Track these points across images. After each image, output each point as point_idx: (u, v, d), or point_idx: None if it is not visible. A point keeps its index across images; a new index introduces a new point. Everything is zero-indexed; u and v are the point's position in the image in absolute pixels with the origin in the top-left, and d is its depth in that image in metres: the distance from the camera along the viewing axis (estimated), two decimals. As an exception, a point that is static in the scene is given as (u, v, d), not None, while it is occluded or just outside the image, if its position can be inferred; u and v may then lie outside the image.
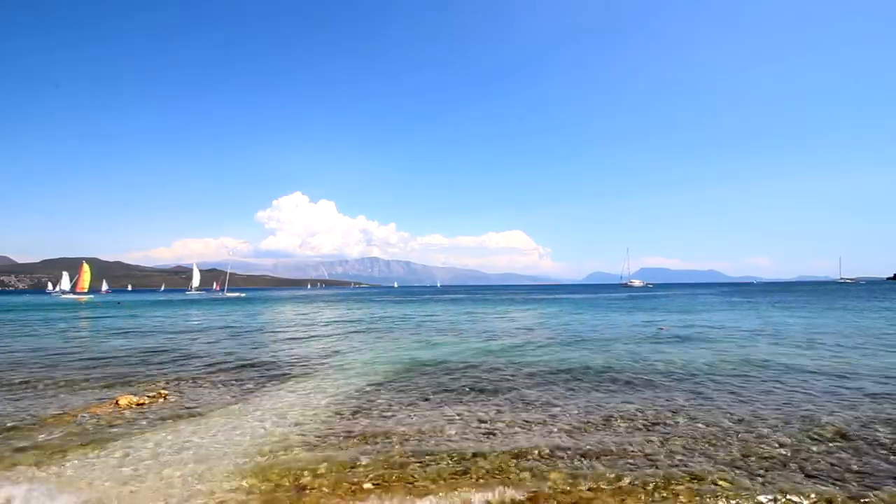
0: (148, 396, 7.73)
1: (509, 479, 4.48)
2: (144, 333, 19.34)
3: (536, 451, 5.16)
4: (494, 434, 5.80)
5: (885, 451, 5.03)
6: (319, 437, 5.77)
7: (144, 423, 6.45)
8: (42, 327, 22.76)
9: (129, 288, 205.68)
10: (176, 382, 9.18)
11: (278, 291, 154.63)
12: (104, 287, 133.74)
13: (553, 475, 4.52)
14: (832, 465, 4.72)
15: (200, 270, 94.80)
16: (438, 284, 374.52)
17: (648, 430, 5.86)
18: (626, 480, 4.41)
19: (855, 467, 4.65)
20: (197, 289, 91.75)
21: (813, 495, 4.06)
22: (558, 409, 6.92)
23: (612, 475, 4.51)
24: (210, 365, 11.25)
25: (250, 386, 8.82)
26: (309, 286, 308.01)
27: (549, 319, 24.59)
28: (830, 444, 5.27)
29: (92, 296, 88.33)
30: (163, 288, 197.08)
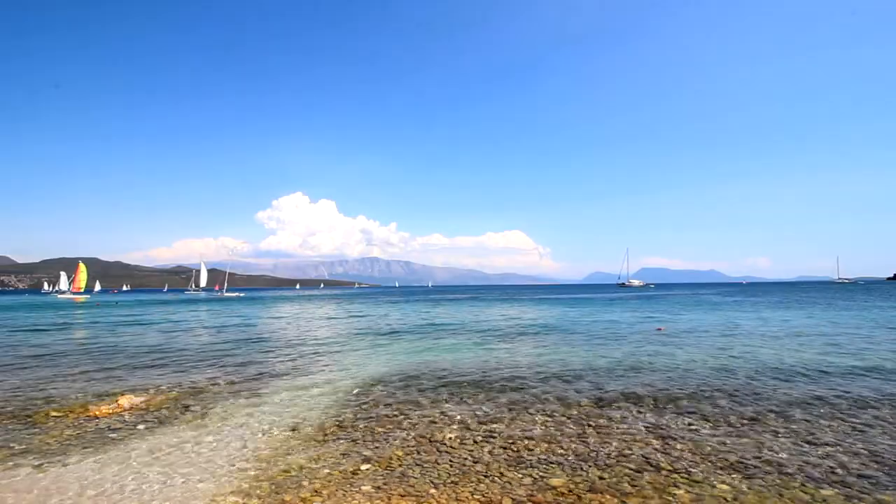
0: (148, 397, 7.72)
1: (510, 482, 4.48)
2: (143, 333, 19.31)
3: (537, 454, 5.16)
4: (495, 436, 5.79)
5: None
6: (319, 439, 5.76)
7: (144, 423, 6.43)
8: (39, 328, 22.70)
9: (127, 288, 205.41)
10: (176, 382, 9.16)
11: (277, 291, 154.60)
12: (97, 287, 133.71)
13: (553, 480, 4.52)
14: (842, 480, 4.74)
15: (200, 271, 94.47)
16: (429, 285, 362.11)
17: (649, 433, 5.86)
18: (627, 483, 4.41)
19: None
20: (202, 289, 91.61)
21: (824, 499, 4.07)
22: (559, 410, 6.92)
23: (613, 478, 4.51)
24: (210, 365, 11.23)
25: (250, 386, 8.80)
26: (298, 286, 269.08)
27: (550, 320, 24.58)
28: (838, 458, 5.28)
29: (89, 295, 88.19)
30: (166, 288, 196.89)
